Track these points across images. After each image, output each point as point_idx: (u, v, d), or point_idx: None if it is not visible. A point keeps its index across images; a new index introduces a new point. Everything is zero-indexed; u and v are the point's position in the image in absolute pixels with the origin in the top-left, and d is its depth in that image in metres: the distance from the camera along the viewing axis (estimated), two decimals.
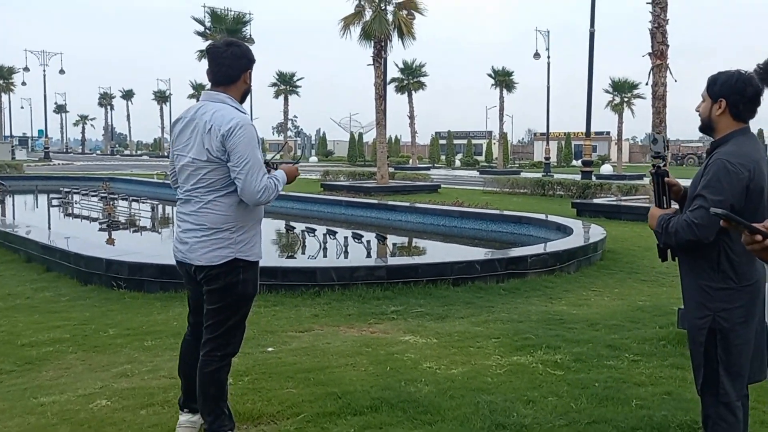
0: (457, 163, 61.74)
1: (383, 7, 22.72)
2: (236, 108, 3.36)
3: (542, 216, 12.44)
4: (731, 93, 2.78)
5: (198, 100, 3.48)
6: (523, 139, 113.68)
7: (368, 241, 10.26)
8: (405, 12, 22.92)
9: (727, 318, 2.76)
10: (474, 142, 71.60)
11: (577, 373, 4.67)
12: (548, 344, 5.31)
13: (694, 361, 2.91)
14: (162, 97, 78.26)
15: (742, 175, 2.68)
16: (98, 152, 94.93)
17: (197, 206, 3.35)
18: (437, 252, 10.75)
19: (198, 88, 69.01)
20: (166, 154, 74.81)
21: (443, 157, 64.49)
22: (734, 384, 2.80)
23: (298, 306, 6.60)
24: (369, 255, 9.86)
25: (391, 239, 11.15)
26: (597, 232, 10.01)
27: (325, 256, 10.25)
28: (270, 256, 10.21)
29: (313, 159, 69.27)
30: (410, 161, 54.85)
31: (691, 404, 4.02)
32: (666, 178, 2.96)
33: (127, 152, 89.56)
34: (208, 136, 3.25)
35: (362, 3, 23.42)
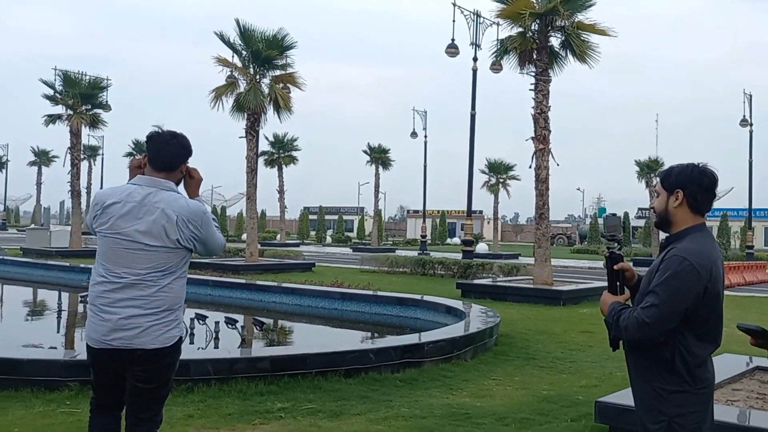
0: (328, 239, 61.83)
1: (258, 80, 22.64)
2: (183, 195, 3.66)
3: (432, 298, 12.39)
4: (688, 183, 2.82)
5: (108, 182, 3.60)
6: (395, 215, 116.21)
7: (242, 327, 9.69)
8: (281, 85, 22.93)
9: (683, 424, 2.71)
10: (345, 217, 72.31)
11: None
12: None
13: None
14: None
15: (702, 274, 2.68)
16: None
17: (152, 290, 3.47)
18: (323, 338, 10.32)
19: (40, 154, 65.56)
20: None
21: (313, 233, 64.42)
22: None
23: (167, 405, 5.93)
24: (243, 343, 9.30)
25: (269, 324, 10.60)
26: (490, 315, 10.02)
27: (191, 343, 9.56)
28: None
29: None
30: (278, 237, 54.24)
31: None
32: (619, 263, 2.92)
33: None
34: (175, 226, 3.48)
35: (234, 74, 23.23)
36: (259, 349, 8.59)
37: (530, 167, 16.60)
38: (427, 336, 8.10)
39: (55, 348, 9.39)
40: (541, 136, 16.36)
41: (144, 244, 3.45)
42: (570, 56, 16.60)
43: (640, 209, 55.08)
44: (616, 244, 2.97)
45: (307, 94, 28.42)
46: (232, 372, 6.51)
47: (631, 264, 3.00)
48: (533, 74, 16.53)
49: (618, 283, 2.94)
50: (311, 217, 67.83)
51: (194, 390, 6.32)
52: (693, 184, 2.82)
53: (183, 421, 5.54)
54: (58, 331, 11.21)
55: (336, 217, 70.73)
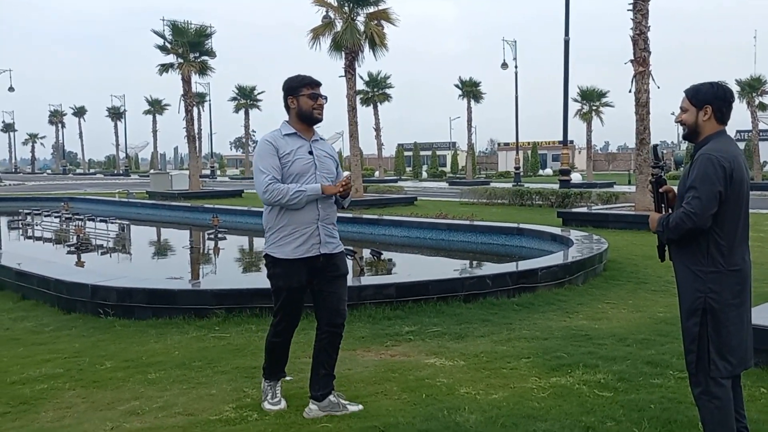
0: (424, 174, 61.85)
1: (354, 18, 22.51)
2: (278, 128, 4.22)
3: (536, 227, 12.29)
4: (715, 99, 3.21)
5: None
6: (486, 149, 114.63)
7: (361, 258, 9.96)
8: (376, 22, 22.74)
9: (716, 299, 3.12)
10: (438, 153, 71.93)
11: (627, 393, 4.46)
12: (584, 363, 5.10)
13: (686, 341, 3.24)
14: (116, 114, 76.69)
15: (726, 165, 3.08)
16: (48, 171, 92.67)
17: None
18: (438, 267, 10.49)
19: (154, 103, 68.01)
20: (120, 171, 73.52)
21: (408, 169, 64.52)
22: (724, 362, 3.14)
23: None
24: (362, 272, 9.58)
25: (385, 255, 10.84)
26: (597, 242, 9.88)
27: None
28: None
29: None
30: (376, 173, 54.69)
31: (759, 425, 3.84)
32: (664, 186, 3.36)
33: (79, 171, 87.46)
34: None
35: (330, 14, 23.19)
36: (383, 277, 8.82)
37: (630, 91, 15.86)
38: (540, 262, 8.10)
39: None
40: (641, 58, 15.57)
41: None
42: None
43: (738, 132, 51.95)
44: (660, 171, 3.40)
45: (397, 30, 28.08)
46: (361, 298, 6.73)
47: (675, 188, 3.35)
48: None
49: (663, 204, 3.35)
50: (406, 153, 67.86)
51: None
52: (720, 100, 3.21)
53: None
54: (191, 266, 11.84)
55: (429, 152, 70.52)
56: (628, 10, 15.65)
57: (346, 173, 4.36)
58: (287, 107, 4.21)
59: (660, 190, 3.36)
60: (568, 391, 4.52)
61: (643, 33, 15.49)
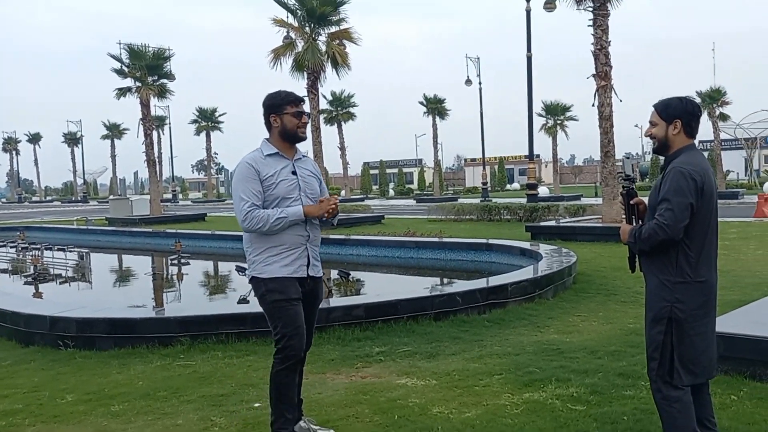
0: (391, 192, 62.02)
1: (315, 38, 22.59)
2: (258, 148, 4.05)
3: (505, 242, 12.40)
4: (684, 114, 3.33)
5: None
6: (453, 165, 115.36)
7: (329, 279, 9.93)
8: (338, 42, 22.84)
9: (682, 309, 3.25)
10: (405, 170, 72.28)
11: (600, 406, 4.50)
12: (556, 377, 5.14)
13: (649, 348, 3.38)
14: (73, 139, 75.52)
15: (697, 178, 3.20)
16: (3, 200, 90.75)
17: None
18: (406, 286, 10.50)
19: (112, 128, 67.11)
20: (78, 198, 72.28)
21: (375, 187, 64.66)
22: (686, 372, 3.26)
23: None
24: (330, 294, 9.54)
25: (353, 275, 10.82)
26: (566, 255, 9.99)
27: None
28: (231, 303, 9.79)
29: None
30: (342, 192, 54.67)
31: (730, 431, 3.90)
32: (634, 198, 3.46)
33: (35, 198, 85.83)
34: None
35: (290, 34, 23.23)
36: (351, 297, 8.79)
37: (593, 105, 16.17)
38: (510, 277, 8.15)
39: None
40: (603, 73, 15.91)
41: None
42: None
43: (701, 142, 53.15)
44: (630, 182, 3.50)
45: (359, 49, 28.34)
46: (329, 320, 6.70)
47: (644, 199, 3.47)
48: (591, 9, 16.02)
49: (634, 216, 3.45)
50: (372, 171, 68.03)
51: None
52: (689, 114, 3.33)
53: None
54: (154, 293, 11.67)
55: (396, 170, 70.80)
56: (588, 26, 15.99)
57: (335, 195, 4.27)
58: (268, 125, 4.04)
59: (631, 202, 3.47)
60: (541, 406, 4.55)
61: (603, 48, 15.84)
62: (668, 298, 3.26)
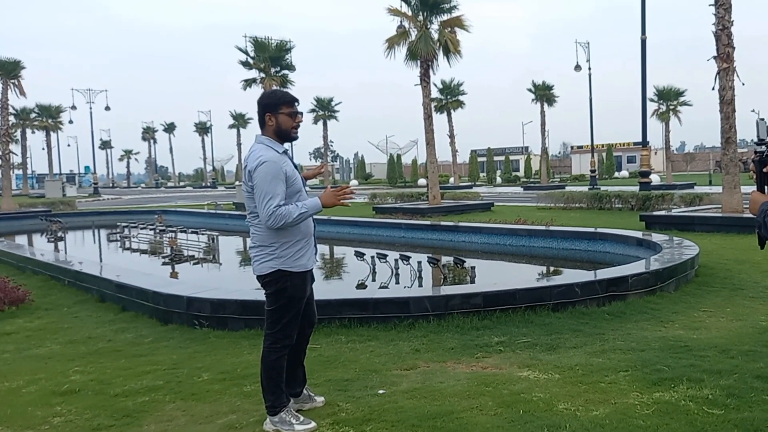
0: (498, 179, 61.01)
1: (427, 26, 22.36)
2: (268, 146, 4.01)
3: (621, 231, 11.79)
4: None
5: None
6: (559, 152, 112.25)
7: (444, 266, 9.76)
8: (449, 29, 22.52)
9: None
10: (511, 157, 70.89)
11: (739, 411, 4.09)
12: (687, 377, 4.74)
13: None
14: (203, 129, 79.09)
15: None
16: (143, 185, 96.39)
17: (252, 227, 4.12)
18: (521, 275, 10.19)
19: (238, 117, 69.66)
20: (208, 184, 75.65)
21: (482, 175, 63.76)
22: None
23: (394, 340, 6.12)
24: (445, 280, 9.38)
25: (468, 262, 10.60)
26: (686, 246, 9.35)
27: (397, 283, 9.80)
28: (351, 287, 9.83)
29: (354, 182, 69.08)
30: (451, 180, 54.28)
31: None
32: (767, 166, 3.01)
33: (170, 184, 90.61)
34: (245, 171, 4.02)
35: (403, 23, 23.11)
36: (469, 285, 8.59)
37: (713, 89, 15.09)
38: (631, 269, 7.68)
39: None
40: (725, 54, 14.77)
41: (243, 189, 4.10)
42: None
43: None
44: (764, 148, 3.01)
45: (468, 35, 27.87)
46: (448, 308, 6.55)
47: None
48: None
49: (766, 185, 3.00)
50: (479, 159, 67.15)
51: (415, 326, 6.45)
52: None
53: (411, 355, 5.65)
54: None
55: (503, 157, 69.61)
56: (710, 5, 14.88)
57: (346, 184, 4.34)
58: (262, 123, 4.08)
59: (764, 170, 3.03)
60: (674, 408, 4.20)
61: (726, 28, 14.70)
62: None
